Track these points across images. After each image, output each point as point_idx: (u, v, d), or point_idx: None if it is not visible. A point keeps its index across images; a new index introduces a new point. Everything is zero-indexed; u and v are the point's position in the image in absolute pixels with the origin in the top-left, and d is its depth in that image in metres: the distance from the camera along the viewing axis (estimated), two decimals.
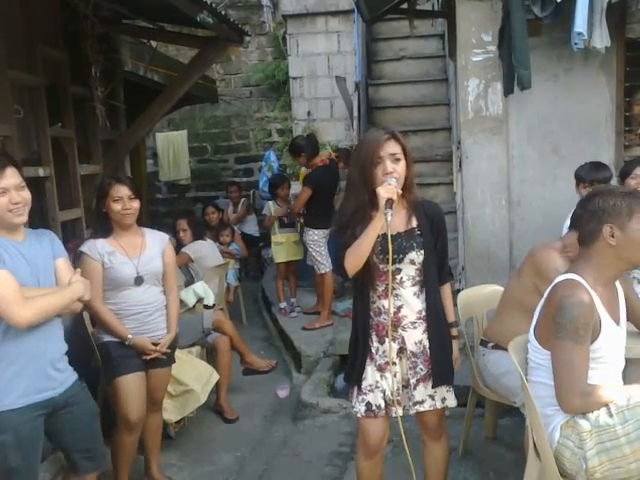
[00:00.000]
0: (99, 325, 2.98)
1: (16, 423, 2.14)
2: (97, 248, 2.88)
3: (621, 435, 2.04)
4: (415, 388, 2.42)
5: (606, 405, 2.09)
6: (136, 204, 2.92)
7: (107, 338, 2.94)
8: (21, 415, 2.15)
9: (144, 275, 2.94)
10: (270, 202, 5.92)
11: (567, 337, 2.06)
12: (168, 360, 3.13)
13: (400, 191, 2.28)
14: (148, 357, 2.97)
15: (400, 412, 2.43)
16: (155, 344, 2.98)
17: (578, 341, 2.06)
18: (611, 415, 2.06)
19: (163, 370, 3.12)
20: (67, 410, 2.32)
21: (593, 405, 2.10)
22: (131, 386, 2.91)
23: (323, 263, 5.32)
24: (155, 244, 3.05)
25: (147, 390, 3.04)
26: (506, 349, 2.57)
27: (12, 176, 2.18)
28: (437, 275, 2.46)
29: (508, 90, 4.02)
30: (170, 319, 3.09)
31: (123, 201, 2.89)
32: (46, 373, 2.24)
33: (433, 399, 2.44)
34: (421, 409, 2.44)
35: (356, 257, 2.30)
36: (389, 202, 2.21)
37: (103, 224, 2.95)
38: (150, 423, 3.17)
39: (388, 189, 2.23)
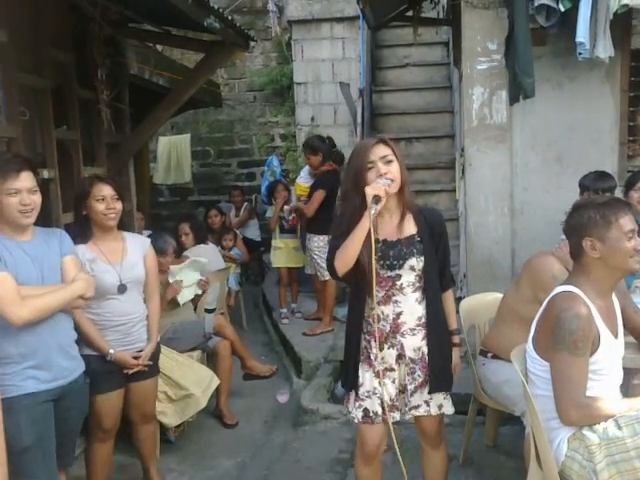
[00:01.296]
0: (79, 337, 2.75)
1: (29, 405, 2.27)
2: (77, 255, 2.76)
3: (631, 448, 2.02)
4: (412, 395, 2.43)
5: (606, 418, 2.08)
6: (119, 205, 2.82)
7: (87, 351, 2.75)
8: (34, 399, 2.29)
9: (127, 283, 2.84)
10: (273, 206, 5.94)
11: (565, 349, 2.06)
12: (152, 371, 3.04)
13: (389, 189, 2.29)
14: (130, 371, 2.89)
15: (397, 417, 2.44)
16: (136, 357, 2.90)
17: (576, 354, 2.06)
18: (620, 427, 2.05)
19: (148, 382, 3.03)
20: (65, 399, 2.40)
21: (591, 418, 2.09)
22: (110, 403, 2.83)
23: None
24: (137, 249, 2.94)
25: (134, 404, 3.00)
26: (505, 359, 2.57)
27: (26, 179, 2.29)
28: (438, 282, 2.47)
29: (514, 99, 4.04)
30: (151, 328, 3.00)
31: (106, 201, 2.77)
32: (59, 364, 2.37)
33: (428, 405, 2.44)
34: (416, 414, 2.45)
35: (345, 255, 2.31)
36: (375, 198, 2.24)
37: (82, 228, 2.82)
38: (143, 434, 3.13)
39: (375, 187, 2.26)
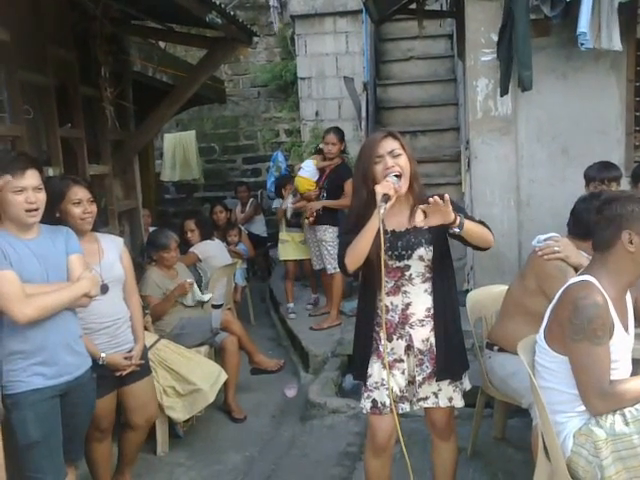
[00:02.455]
0: None
1: (35, 401, 2.28)
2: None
3: (638, 445, 2.01)
4: (420, 386, 2.43)
5: (634, 401, 2.06)
6: (95, 208, 2.76)
7: None
8: (41, 395, 2.30)
9: (109, 282, 2.78)
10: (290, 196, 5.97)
11: (585, 339, 2.05)
12: (145, 371, 3.01)
13: (399, 187, 2.28)
14: (124, 373, 2.86)
15: (407, 408, 2.44)
16: (127, 358, 2.86)
17: (597, 342, 2.04)
18: (627, 423, 2.03)
19: (143, 382, 3.00)
20: (72, 395, 2.41)
21: (618, 404, 2.07)
22: (103, 406, 2.79)
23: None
24: (112, 249, 2.88)
25: (137, 408, 2.98)
26: (511, 352, 2.55)
27: (31, 177, 2.30)
28: (447, 272, 2.45)
29: (504, 90, 4.03)
30: (136, 327, 2.95)
31: (83, 204, 2.70)
32: (64, 360, 2.37)
33: (437, 397, 2.44)
34: (425, 405, 2.46)
35: (356, 253, 2.31)
36: (385, 197, 2.24)
37: None
38: (136, 439, 3.08)
39: (385, 185, 2.26)
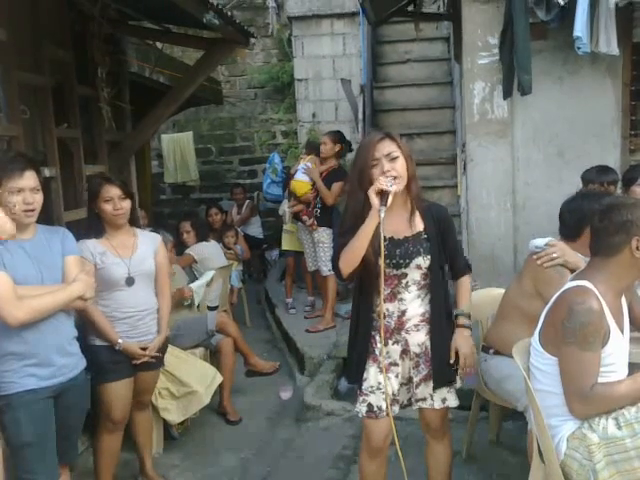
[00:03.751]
0: (89, 328, 2.88)
1: (29, 401, 2.29)
2: (89, 248, 2.87)
3: (630, 448, 2.01)
4: (417, 387, 2.44)
5: (616, 405, 2.07)
6: (126, 204, 2.92)
7: (97, 342, 2.88)
8: (34, 395, 2.31)
9: (135, 276, 2.93)
10: (285, 200, 6.01)
11: (575, 343, 2.05)
12: (157, 363, 3.12)
13: (395, 186, 2.26)
14: (138, 362, 2.96)
15: (397, 411, 2.45)
16: (144, 348, 2.96)
17: (586, 348, 2.04)
18: (620, 427, 2.04)
19: (151, 373, 3.12)
20: (66, 396, 2.42)
21: (597, 409, 2.08)
22: (118, 392, 2.91)
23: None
24: (147, 244, 3.04)
25: (134, 393, 3.04)
26: (507, 355, 2.56)
27: (30, 178, 2.33)
28: (442, 277, 2.46)
29: (507, 93, 4.04)
30: (161, 320, 3.07)
31: (114, 201, 2.88)
32: (59, 361, 2.38)
33: (432, 398, 2.45)
34: (423, 406, 2.47)
35: (350, 256, 2.30)
36: (384, 197, 2.22)
37: (96, 225, 2.94)
38: (139, 422, 3.20)
39: (380, 181, 2.23)
